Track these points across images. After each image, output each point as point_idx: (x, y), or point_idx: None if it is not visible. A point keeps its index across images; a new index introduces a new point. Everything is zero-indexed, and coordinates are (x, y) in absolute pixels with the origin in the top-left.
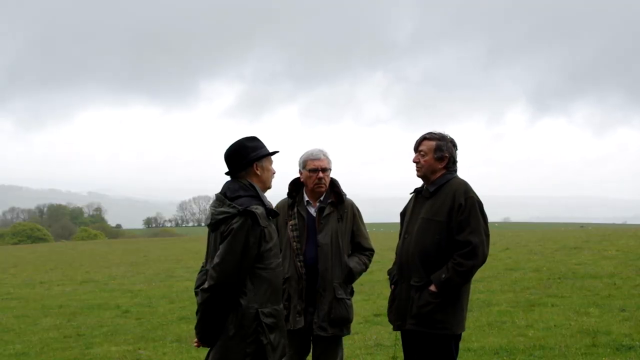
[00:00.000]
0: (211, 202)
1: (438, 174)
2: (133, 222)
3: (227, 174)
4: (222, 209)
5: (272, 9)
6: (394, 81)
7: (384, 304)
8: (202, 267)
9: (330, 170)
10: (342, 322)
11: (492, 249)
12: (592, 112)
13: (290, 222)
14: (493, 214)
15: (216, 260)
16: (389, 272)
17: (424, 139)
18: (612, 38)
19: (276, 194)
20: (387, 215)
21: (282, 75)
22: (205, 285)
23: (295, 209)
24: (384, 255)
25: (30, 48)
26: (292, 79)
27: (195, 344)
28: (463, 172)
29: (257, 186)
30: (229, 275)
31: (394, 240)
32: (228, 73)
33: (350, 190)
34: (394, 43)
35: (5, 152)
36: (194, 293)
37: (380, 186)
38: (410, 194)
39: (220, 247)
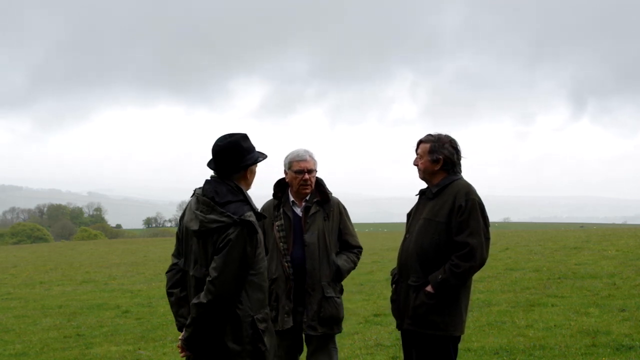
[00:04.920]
0: (193, 203)
1: (438, 176)
2: (133, 222)
3: (213, 169)
4: (214, 217)
5: (306, 7)
6: (425, 79)
7: (384, 304)
8: (173, 265)
9: (316, 171)
10: (332, 321)
11: (492, 249)
12: (620, 114)
13: (277, 223)
14: (496, 215)
15: (214, 273)
16: (392, 272)
17: (420, 142)
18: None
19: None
20: (389, 215)
21: (312, 75)
22: (203, 300)
23: (281, 210)
24: (384, 256)
25: (59, 47)
26: (323, 78)
27: (182, 355)
28: (473, 171)
29: (243, 188)
30: (229, 287)
31: (394, 241)
32: (256, 72)
33: (356, 190)
34: (431, 42)
35: (12, 153)
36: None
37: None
38: (416, 195)
39: (216, 259)
